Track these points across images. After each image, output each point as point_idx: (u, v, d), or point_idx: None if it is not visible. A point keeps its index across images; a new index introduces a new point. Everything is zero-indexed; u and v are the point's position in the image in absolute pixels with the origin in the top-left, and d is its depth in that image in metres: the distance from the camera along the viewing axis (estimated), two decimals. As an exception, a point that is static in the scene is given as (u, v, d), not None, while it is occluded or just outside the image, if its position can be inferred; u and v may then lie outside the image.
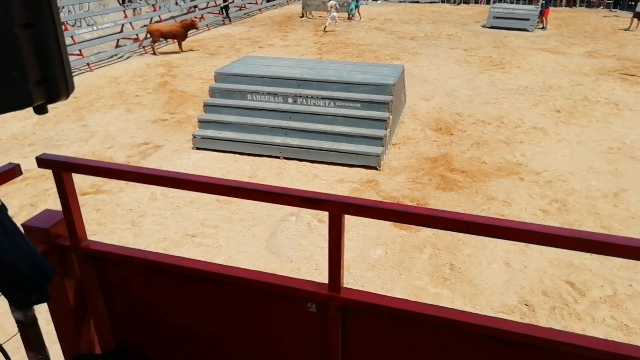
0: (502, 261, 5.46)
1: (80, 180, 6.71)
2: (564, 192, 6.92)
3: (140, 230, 6.09)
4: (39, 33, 0.80)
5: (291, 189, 1.63)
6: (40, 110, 0.89)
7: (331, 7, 18.49)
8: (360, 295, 1.73)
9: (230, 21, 20.70)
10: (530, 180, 7.26)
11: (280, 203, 1.64)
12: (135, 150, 8.38)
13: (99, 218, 6.32)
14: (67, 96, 0.89)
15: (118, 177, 1.88)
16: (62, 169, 1.84)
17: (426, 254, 5.61)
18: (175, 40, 15.43)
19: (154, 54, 14.95)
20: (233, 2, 22.18)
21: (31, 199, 6.70)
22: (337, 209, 1.58)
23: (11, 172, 1.79)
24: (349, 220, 5.99)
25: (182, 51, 15.35)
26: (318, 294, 1.74)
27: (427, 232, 5.94)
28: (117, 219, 6.34)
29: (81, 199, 1.98)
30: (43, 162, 1.84)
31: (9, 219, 1.29)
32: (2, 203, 0.98)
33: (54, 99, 0.87)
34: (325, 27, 18.31)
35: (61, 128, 9.31)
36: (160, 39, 15.29)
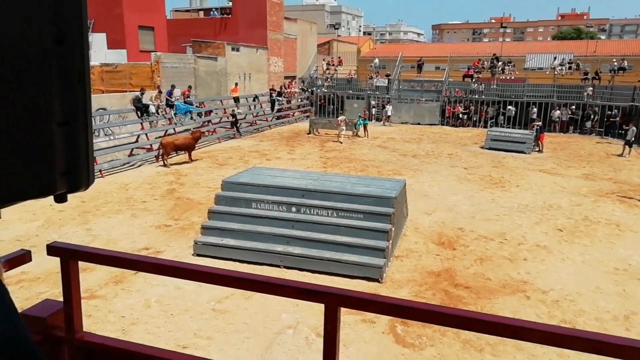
0: (512, 386, 5.10)
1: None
2: (572, 312, 6.68)
3: (129, 339, 5.81)
4: (71, 130, 0.88)
5: (289, 280, 1.64)
6: (61, 199, 0.95)
7: (341, 121, 21.81)
8: None
9: (241, 135, 21.77)
10: (537, 299, 7.05)
11: (278, 294, 1.64)
12: (135, 255, 8.31)
13: (88, 325, 6.04)
14: (87, 187, 0.96)
15: (126, 266, 1.96)
16: (70, 257, 1.87)
17: (430, 376, 5.27)
18: (186, 151, 16.10)
19: (165, 165, 15.40)
20: (244, 118, 23.52)
21: (22, 303, 6.51)
22: (333, 302, 1.55)
23: (22, 258, 1.85)
24: (349, 336, 5.74)
25: (192, 161, 15.95)
26: None
27: (431, 351, 5.64)
28: (107, 327, 6.09)
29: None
30: (53, 249, 1.89)
31: (11, 300, 1.28)
32: (3, 284, 0.99)
33: (74, 189, 0.94)
34: (340, 138, 21.15)
35: (64, 231, 9.35)
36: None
